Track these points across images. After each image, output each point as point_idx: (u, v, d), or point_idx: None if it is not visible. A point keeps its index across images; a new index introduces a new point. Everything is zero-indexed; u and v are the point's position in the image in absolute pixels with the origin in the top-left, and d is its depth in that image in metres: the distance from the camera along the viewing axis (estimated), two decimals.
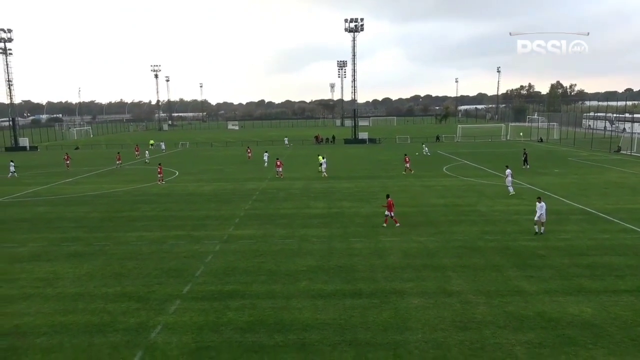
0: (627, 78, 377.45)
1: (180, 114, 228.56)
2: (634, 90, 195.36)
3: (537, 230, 21.40)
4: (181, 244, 21.01)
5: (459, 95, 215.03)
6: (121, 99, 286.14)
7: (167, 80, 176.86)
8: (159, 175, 39.28)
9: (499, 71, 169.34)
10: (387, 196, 24.25)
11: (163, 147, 74.23)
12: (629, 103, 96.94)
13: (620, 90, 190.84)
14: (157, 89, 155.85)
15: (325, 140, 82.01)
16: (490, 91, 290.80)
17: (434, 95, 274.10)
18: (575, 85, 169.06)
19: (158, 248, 20.53)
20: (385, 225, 23.31)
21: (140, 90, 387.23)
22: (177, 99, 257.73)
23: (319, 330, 12.75)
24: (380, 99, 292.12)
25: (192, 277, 16.89)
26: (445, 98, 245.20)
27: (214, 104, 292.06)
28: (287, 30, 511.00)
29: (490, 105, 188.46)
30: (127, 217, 26.70)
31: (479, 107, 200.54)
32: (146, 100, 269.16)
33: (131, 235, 22.74)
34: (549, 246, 19.51)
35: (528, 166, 43.52)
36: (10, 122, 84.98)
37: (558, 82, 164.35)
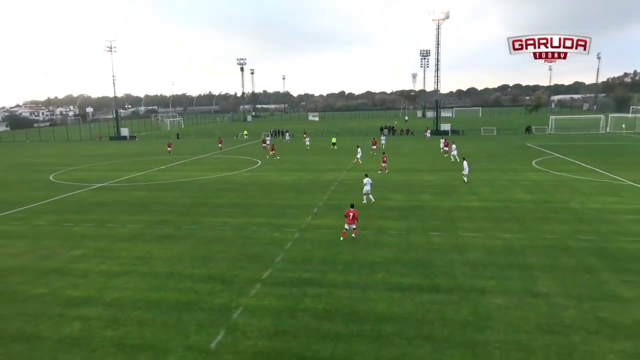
0: None
1: (263, 106, 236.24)
2: None
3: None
4: (262, 231, 21.83)
5: (552, 84, 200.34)
6: (209, 92, 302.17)
7: (252, 73, 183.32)
8: (271, 152, 50.44)
9: (599, 57, 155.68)
10: (351, 206, 20.61)
11: (287, 137, 75.62)
12: None
13: None
14: (243, 81, 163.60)
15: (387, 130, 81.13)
16: (589, 79, 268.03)
17: (524, 84, 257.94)
18: None
19: (241, 234, 21.51)
20: (342, 238, 19.97)
21: (227, 82, 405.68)
22: (261, 91, 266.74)
23: (394, 322, 12.68)
24: (464, 89, 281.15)
25: (272, 263, 17.51)
26: (536, 87, 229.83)
27: (296, 96, 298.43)
28: (367, 19, 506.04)
29: (588, 95, 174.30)
30: (213, 203, 28.23)
31: (575, 96, 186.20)
32: (232, 93, 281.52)
33: (217, 220, 24.03)
34: None
35: None
36: (114, 114, 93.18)
37: None
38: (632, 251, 17.68)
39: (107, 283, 16.04)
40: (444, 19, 77.55)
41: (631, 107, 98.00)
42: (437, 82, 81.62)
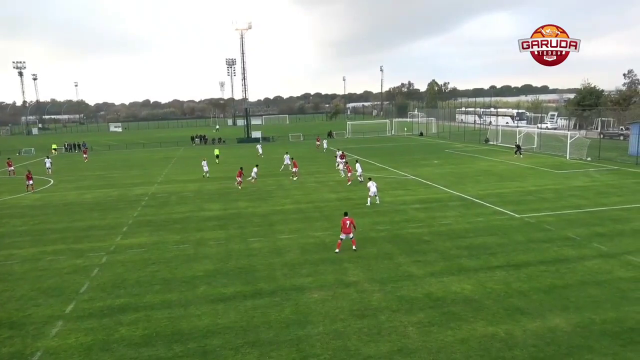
0: (491, 75, 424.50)
1: (53, 116, 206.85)
2: (497, 87, 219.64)
3: (369, 203, 26.44)
4: (61, 259, 19.13)
5: (346, 93, 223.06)
6: None
7: (35, 79, 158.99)
8: (29, 182, 36.28)
9: (381, 70, 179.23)
10: (345, 214, 19.29)
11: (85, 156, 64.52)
12: (493, 99, 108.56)
13: (486, 87, 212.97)
14: (23, 88, 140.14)
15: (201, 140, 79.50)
16: (375, 89, 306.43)
17: (323, 93, 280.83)
18: (449, 83, 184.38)
19: (33, 266, 18.46)
20: (337, 250, 18.92)
21: (1, 90, 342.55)
22: (48, 100, 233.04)
23: (220, 335, 12.45)
24: (272, 97, 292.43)
25: (75, 295, 15.47)
26: (334, 96, 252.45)
27: (93, 105, 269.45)
28: (167, 22, 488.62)
29: (375, 103, 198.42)
30: None
31: (366, 104, 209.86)
32: (10, 102, 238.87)
33: None
34: (433, 232, 21.14)
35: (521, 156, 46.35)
36: None
37: (433, 80, 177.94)
38: (418, 235, 20.80)
39: None
40: (247, 29, 79.74)
41: (409, 112, 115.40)
42: (245, 91, 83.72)
